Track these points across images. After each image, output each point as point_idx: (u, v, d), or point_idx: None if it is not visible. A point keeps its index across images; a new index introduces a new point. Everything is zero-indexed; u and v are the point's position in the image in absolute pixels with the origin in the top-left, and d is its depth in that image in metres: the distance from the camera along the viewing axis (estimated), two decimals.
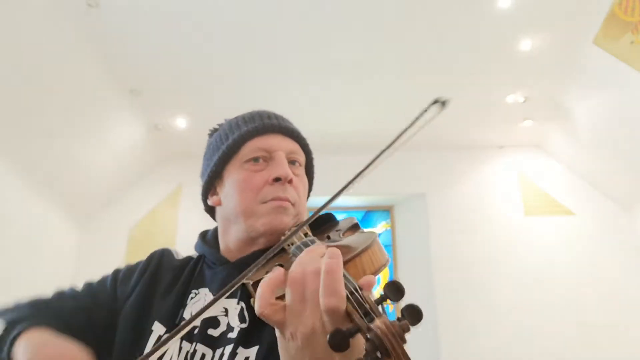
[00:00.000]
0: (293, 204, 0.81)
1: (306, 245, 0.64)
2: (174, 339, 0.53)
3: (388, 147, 0.63)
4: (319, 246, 0.56)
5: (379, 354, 0.40)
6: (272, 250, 0.57)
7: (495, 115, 4.31)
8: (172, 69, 3.73)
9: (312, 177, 0.94)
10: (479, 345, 4.01)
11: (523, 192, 4.58)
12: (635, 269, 4.11)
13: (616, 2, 2.96)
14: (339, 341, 0.42)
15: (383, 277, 4.68)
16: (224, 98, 3.92)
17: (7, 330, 0.73)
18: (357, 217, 4.87)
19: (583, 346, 3.88)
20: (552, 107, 4.11)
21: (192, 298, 0.82)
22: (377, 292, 0.53)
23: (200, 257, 0.90)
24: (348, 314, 0.46)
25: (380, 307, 0.52)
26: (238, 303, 0.77)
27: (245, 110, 0.93)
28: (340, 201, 4.82)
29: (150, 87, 3.92)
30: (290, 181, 0.81)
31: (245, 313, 0.75)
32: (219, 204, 0.87)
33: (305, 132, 0.91)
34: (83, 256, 4.48)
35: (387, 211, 4.97)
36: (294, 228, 0.65)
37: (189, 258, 0.92)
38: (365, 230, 0.74)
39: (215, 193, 0.88)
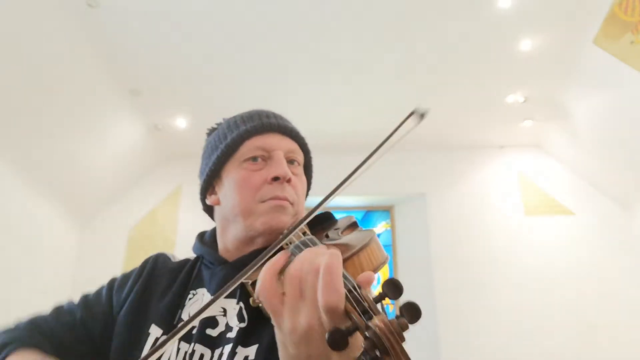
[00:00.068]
0: (292, 203, 0.81)
1: (305, 244, 0.64)
2: (172, 340, 0.53)
3: (367, 159, 0.64)
4: (319, 246, 0.56)
5: (377, 353, 0.40)
6: (271, 249, 0.57)
7: (495, 115, 4.31)
8: (172, 69, 3.73)
9: (310, 177, 0.94)
10: (479, 345, 4.01)
11: (523, 192, 4.58)
12: (635, 268, 4.11)
13: (616, 2, 2.96)
14: (338, 340, 0.42)
15: (383, 277, 4.68)
16: (224, 98, 3.92)
17: None
18: (357, 217, 4.88)
19: (583, 346, 3.88)
20: (552, 107, 4.11)
21: (190, 299, 0.82)
22: (377, 291, 0.52)
23: (198, 258, 0.90)
24: (346, 313, 0.46)
25: (379, 306, 0.52)
26: (237, 303, 0.77)
27: (245, 110, 0.92)
28: (340, 201, 4.84)
29: (150, 87, 3.92)
30: (289, 180, 0.81)
31: (244, 313, 0.75)
32: (218, 203, 0.87)
33: (304, 132, 0.91)
34: (83, 256, 4.48)
35: (387, 211, 4.97)
36: (292, 227, 0.66)
37: (186, 260, 0.92)
38: (363, 228, 0.74)
39: (213, 192, 0.88)
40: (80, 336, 0.82)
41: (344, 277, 0.49)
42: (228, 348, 0.72)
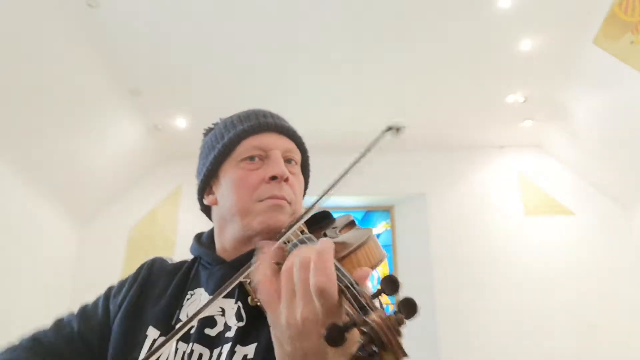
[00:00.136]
0: (289, 202, 0.81)
1: (302, 242, 0.65)
2: (170, 341, 0.53)
3: (345, 174, 0.65)
4: (315, 243, 0.57)
5: (374, 348, 0.40)
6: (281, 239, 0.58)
7: (495, 115, 4.31)
8: (172, 69, 3.73)
9: (308, 176, 0.94)
10: (479, 345, 4.01)
11: (523, 192, 4.58)
12: (635, 268, 4.11)
13: (616, 2, 2.96)
14: (335, 335, 0.42)
15: (383, 275, 4.68)
16: (224, 98, 3.92)
17: None
18: (357, 217, 4.86)
19: (583, 346, 3.88)
20: (552, 107, 4.11)
21: (187, 299, 0.82)
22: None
23: (196, 259, 0.90)
24: (344, 309, 0.46)
25: (378, 303, 0.52)
26: (235, 302, 0.77)
27: (244, 110, 0.93)
28: (340, 201, 4.84)
29: (150, 87, 3.92)
30: (286, 180, 0.81)
31: (242, 312, 0.75)
32: (215, 203, 0.87)
33: (304, 132, 0.91)
34: (83, 256, 4.48)
35: (387, 211, 4.97)
36: (289, 227, 0.66)
37: (184, 262, 0.92)
38: (361, 227, 0.74)
39: (211, 192, 0.88)
40: (79, 348, 0.83)
41: (341, 273, 0.50)
42: (227, 347, 0.72)
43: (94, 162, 4.20)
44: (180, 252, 4.25)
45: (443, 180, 4.71)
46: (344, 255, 0.57)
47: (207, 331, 0.76)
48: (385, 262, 4.72)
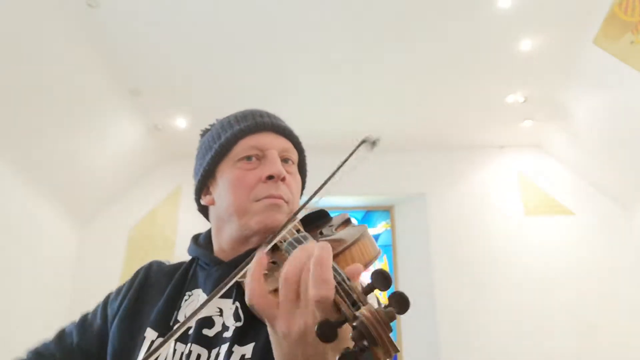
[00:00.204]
0: (286, 202, 0.81)
1: (298, 241, 0.65)
2: (168, 342, 0.53)
3: (321, 187, 0.66)
4: (311, 243, 0.57)
5: (365, 342, 0.40)
6: (263, 248, 0.57)
7: (495, 115, 4.31)
8: (172, 69, 3.73)
9: (305, 175, 0.94)
10: (479, 345, 4.01)
11: (523, 192, 4.58)
12: (635, 268, 4.11)
13: (616, 2, 2.96)
14: (327, 331, 0.42)
15: None
16: (224, 98, 3.92)
17: None
18: (357, 217, 4.83)
19: (583, 346, 3.88)
20: (552, 107, 4.11)
21: (185, 300, 0.82)
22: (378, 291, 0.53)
23: (194, 260, 0.90)
24: (336, 305, 0.46)
25: (373, 298, 0.52)
26: (233, 303, 0.77)
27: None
28: (340, 201, 4.84)
29: (150, 87, 3.92)
30: (283, 179, 0.81)
31: (240, 312, 0.75)
32: (212, 203, 0.87)
33: (304, 132, 0.92)
34: (83, 256, 4.48)
35: (387, 211, 4.97)
36: (278, 231, 0.66)
37: (181, 263, 0.92)
38: (356, 224, 0.74)
39: (208, 192, 0.88)
40: (79, 359, 0.85)
41: (335, 270, 0.50)
42: (225, 347, 0.72)
43: (94, 162, 4.20)
44: (180, 252, 4.25)
45: (443, 180, 4.71)
46: (338, 252, 0.58)
47: (205, 331, 0.76)
48: (386, 262, 4.72)
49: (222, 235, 0.85)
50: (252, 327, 0.72)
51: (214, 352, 0.73)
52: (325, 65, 3.73)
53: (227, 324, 0.75)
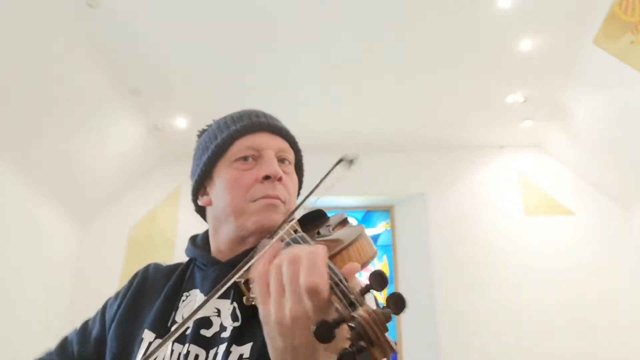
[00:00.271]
0: (283, 202, 0.81)
1: (295, 241, 0.65)
2: (166, 343, 0.53)
3: (301, 204, 0.68)
4: (304, 245, 0.58)
5: (362, 343, 0.41)
6: (262, 248, 0.58)
7: (495, 115, 4.31)
8: (172, 69, 3.73)
9: (302, 175, 0.94)
10: (479, 345, 4.01)
11: (523, 192, 4.58)
12: (635, 268, 4.11)
13: (616, 2, 2.96)
14: (324, 332, 0.42)
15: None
16: (224, 98, 3.92)
17: None
18: (357, 217, 4.82)
19: (583, 346, 3.88)
20: (552, 107, 4.11)
21: (183, 301, 0.83)
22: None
23: (191, 261, 0.91)
24: (333, 305, 0.47)
25: (373, 299, 0.52)
26: (231, 303, 0.77)
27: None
28: (340, 201, 4.84)
29: (150, 87, 3.92)
30: (279, 179, 0.81)
31: (238, 312, 0.75)
32: (210, 204, 0.87)
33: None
34: (83, 256, 4.48)
35: (387, 211, 4.97)
36: (272, 232, 0.67)
37: (179, 264, 0.93)
38: (353, 224, 0.75)
39: (205, 193, 0.89)
40: None
41: (332, 270, 0.50)
42: (222, 348, 0.72)
43: (94, 162, 4.20)
44: (180, 252, 4.23)
45: (443, 180, 4.71)
46: (335, 252, 0.58)
47: (203, 332, 0.76)
48: (385, 262, 4.72)
49: (219, 235, 0.86)
50: (249, 327, 0.72)
51: (211, 352, 0.73)
52: (325, 65, 3.73)
53: (224, 324, 0.76)
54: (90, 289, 4.16)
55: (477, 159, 4.76)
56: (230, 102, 3.96)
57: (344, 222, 0.76)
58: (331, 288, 0.48)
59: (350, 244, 0.60)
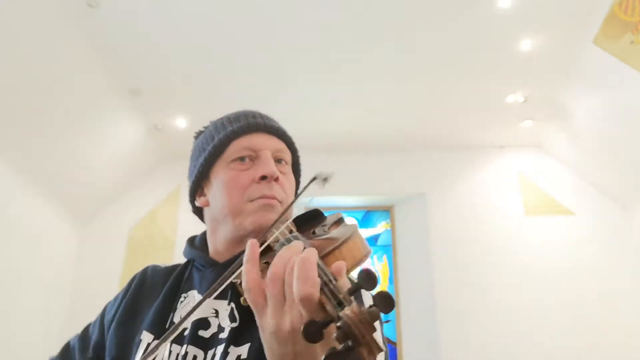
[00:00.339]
0: (280, 202, 0.82)
1: (289, 241, 0.65)
2: (163, 344, 0.53)
3: (278, 219, 0.69)
4: (298, 243, 0.58)
5: (350, 343, 0.41)
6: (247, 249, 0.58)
7: (495, 115, 4.31)
8: (172, 69, 3.73)
9: (299, 175, 0.95)
10: (479, 345, 4.01)
11: (523, 192, 4.58)
12: (635, 268, 4.11)
13: (616, 2, 2.96)
14: (313, 332, 0.42)
15: (384, 275, 4.68)
16: (224, 98, 3.92)
17: None
18: (357, 217, 4.81)
19: (583, 346, 3.88)
20: (552, 107, 4.11)
21: (181, 302, 0.83)
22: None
23: (189, 262, 0.91)
24: (322, 305, 0.47)
25: (370, 298, 0.52)
26: (229, 304, 0.77)
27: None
28: (340, 201, 4.84)
29: (150, 87, 3.93)
30: (276, 179, 0.82)
31: (236, 313, 0.75)
32: (207, 204, 0.88)
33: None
34: (83, 256, 4.48)
35: (387, 211, 4.97)
36: (266, 232, 0.68)
37: (177, 265, 0.93)
38: (348, 223, 0.75)
39: (202, 194, 0.89)
40: None
41: (322, 269, 0.50)
42: (220, 348, 0.72)
43: (94, 162, 4.20)
44: (180, 252, 4.23)
45: (443, 180, 4.71)
46: (328, 251, 0.58)
47: (201, 333, 0.76)
48: (386, 262, 4.72)
49: (217, 236, 0.86)
50: (247, 328, 0.72)
51: (210, 353, 0.73)
52: (325, 65, 3.73)
53: (222, 325, 0.76)
54: (90, 289, 4.17)
55: (477, 159, 4.76)
56: (230, 102, 3.97)
57: (339, 222, 0.76)
58: (321, 288, 0.48)
59: (343, 242, 0.60)
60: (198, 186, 0.89)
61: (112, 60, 3.59)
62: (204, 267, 0.86)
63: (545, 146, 4.68)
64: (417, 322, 4.27)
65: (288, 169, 0.89)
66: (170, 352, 0.75)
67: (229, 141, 0.85)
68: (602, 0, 3.02)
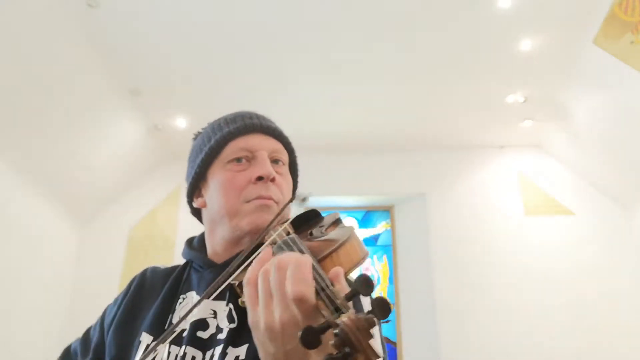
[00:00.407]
0: (277, 202, 0.82)
1: (286, 243, 0.65)
2: (162, 344, 0.53)
3: (273, 220, 0.71)
4: (291, 253, 0.59)
5: (347, 349, 0.40)
6: (252, 251, 0.58)
7: (495, 115, 4.31)
8: (172, 69, 3.73)
9: (296, 176, 0.95)
10: (479, 345, 4.01)
11: (523, 192, 4.58)
12: (635, 268, 4.11)
13: (616, 2, 2.96)
14: (310, 338, 0.42)
15: (384, 275, 4.68)
16: (224, 98, 3.92)
17: None
18: (357, 217, 4.80)
19: (583, 346, 3.88)
20: (552, 107, 4.11)
21: (180, 303, 0.83)
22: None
23: (188, 263, 0.91)
24: (319, 310, 0.47)
25: (369, 302, 0.52)
26: (227, 305, 0.77)
27: (244, 111, 0.93)
28: (341, 201, 4.84)
29: (150, 87, 3.92)
30: (273, 180, 0.82)
31: (234, 314, 0.75)
32: (204, 205, 0.88)
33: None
34: (83, 256, 4.48)
35: (387, 211, 4.97)
36: (262, 233, 0.68)
37: (176, 266, 0.93)
38: (346, 225, 0.75)
39: (200, 195, 0.89)
40: None
41: (319, 275, 0.50)
42: (219, 349, 0.72)
43: (94, 162, 4.20)
44: (180, 252, 4.23)
45: (443, 180, 4.71)
46: (325, 254, 0.58)
47: (200, 334, 0.76)
48: (386, 262, 4.72)
49: (214, 237, 0.86)
50: (245, 329, 0.72)
51: (208, 354, 0.73)
52: (325, 65, 3.73)
53: (221, 325, 0.76)
54: (90, 289, 4.17)
55: (477, 159, 4.76)
56: (230, 102, 3.97)
57: (336, 222, 0.76)
58: (317, 293, 0.48)
59: (340, 246, 0.60)
60: (195, 187, 0.89)
61: (112, 60, 3.59)
62: (202, 268, 0.86)
63: (545, 146, 4.68)
64: (417, 322, 4.27)
65: (285, 169, 0.89)
66: (169, 353, 0.75)
67: (225, 142, 0.85)
68: (602, 0, 3.02)
